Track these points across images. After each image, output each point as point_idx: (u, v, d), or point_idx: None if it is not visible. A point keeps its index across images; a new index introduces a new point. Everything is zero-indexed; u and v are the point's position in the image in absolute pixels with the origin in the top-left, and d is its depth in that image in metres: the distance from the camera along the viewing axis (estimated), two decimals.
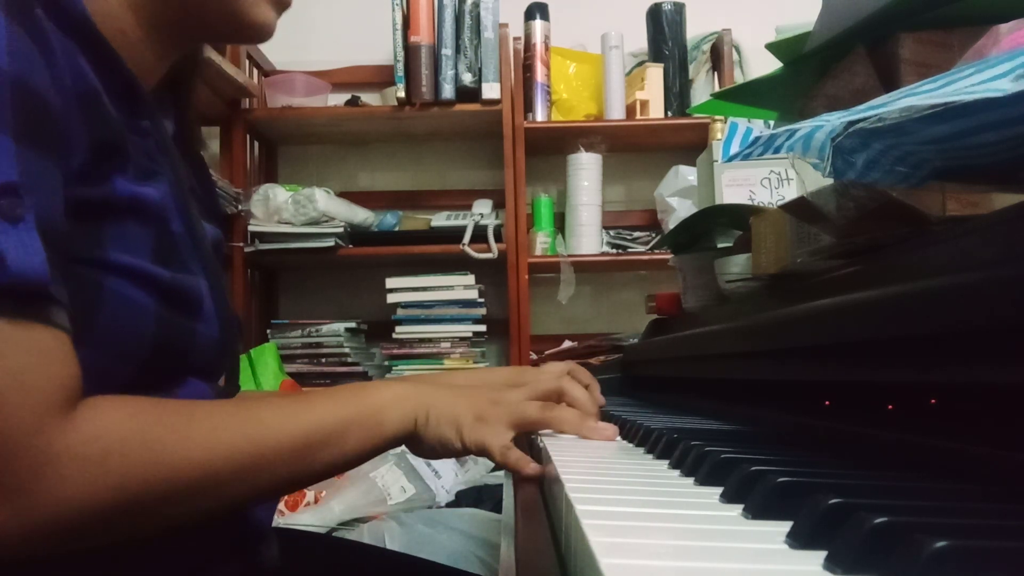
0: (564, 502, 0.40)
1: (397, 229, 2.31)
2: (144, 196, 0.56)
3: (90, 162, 0.52)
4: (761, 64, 2.03)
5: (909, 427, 0.45)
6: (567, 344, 2.24)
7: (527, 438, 0.70)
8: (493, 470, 1.82)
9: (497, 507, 1.61)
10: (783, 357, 0.59)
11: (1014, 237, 0.35)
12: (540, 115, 2.23)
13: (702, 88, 2.28)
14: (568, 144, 2.26)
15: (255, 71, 2.34)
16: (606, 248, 2.29)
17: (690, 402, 0.90)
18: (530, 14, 2.26)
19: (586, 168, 2.24)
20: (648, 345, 1.14)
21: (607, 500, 0.39)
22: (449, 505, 1.69)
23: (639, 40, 2.30)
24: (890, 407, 0.49)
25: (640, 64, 2.28)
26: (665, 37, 2.23)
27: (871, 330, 0.43)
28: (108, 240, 0.54)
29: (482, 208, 2.26)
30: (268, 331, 2.24)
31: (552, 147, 2.30)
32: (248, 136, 2.29)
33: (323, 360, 2.20)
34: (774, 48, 0.68)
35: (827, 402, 0.58)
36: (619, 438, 0.67)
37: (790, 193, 1.29)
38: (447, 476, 1.76)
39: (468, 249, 2.16)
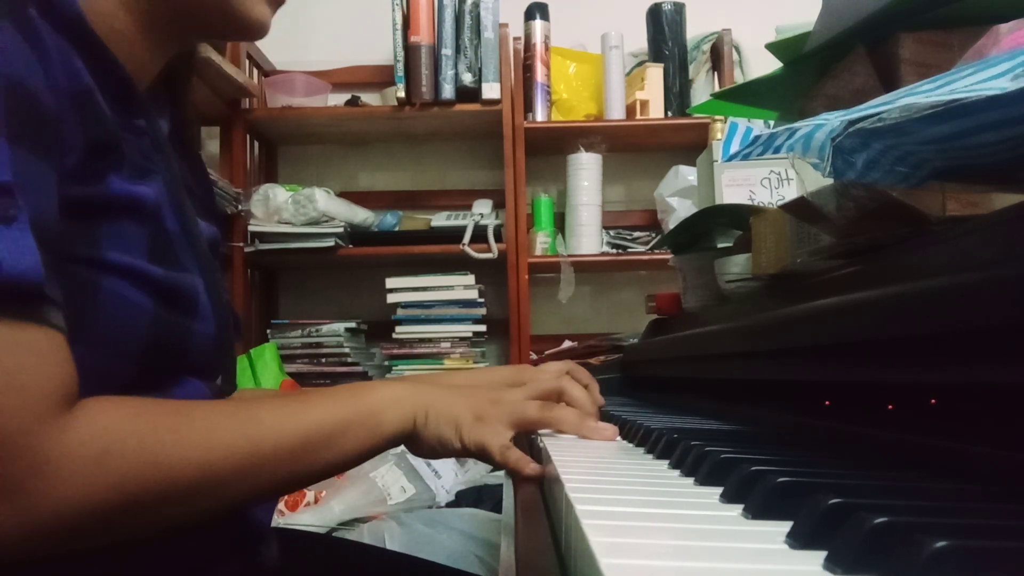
0: (564, 502, 0.40)
1: (397, 229, 2.31)
2: (139, 195, 0.56)
3: (85, 161, 0.52)
4: (761, 64, 2.03)
5: (909, 427, 0.45)
6: (567, 344, 2.24)
7: (527, 438, 0.70)
8: (493, 470, 1.82)
9: (497, 507, 1.60)
10: (783, 357, 0.59)
11: (1014, 237, 0.35)
12: (540, 115, 2.23)
13: (702, 88, 2.28)
14: (568, 144, 2.26)
15: (255, 71, 2.34)
16: (606, 248, 2.30)
17: (690, 402, 0.90)
18: (530, 14, 2.26)
19: (586, 168, 2.24)
20: (648, 345, 1.14)
21: (607, 500, 0.39)
22: (449, 505, 1.69)
23: (639, 40, 2.30)
24: (890, 407, 0.49)
25: (640, 64, 2.28)
26: (665, 37, 2.23)
27: (871, 330, 0.43)
28: (103, 239, 0.53)
29: (482, 208, 2.26)
30: (268, 331, 2.24)
31: (552, 147, 2.30)
32: (248, 136, 2.29)
33: (323, 360, 2.20)
34: (774, 48, 0.68)
35: (827, 402, 0.58)
36: (619, 438, 0.67)
37: (790, 193, 1.29)
38: (447, 476, 1.76)
39: (468, 249, 2.16)
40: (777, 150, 0.51)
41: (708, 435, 0.59)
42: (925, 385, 0.44)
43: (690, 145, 2.20)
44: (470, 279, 2.21)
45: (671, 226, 2.03)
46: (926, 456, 0.42)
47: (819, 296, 0.50)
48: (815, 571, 0.27)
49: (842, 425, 0.52)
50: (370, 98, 2.38)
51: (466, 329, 2.20)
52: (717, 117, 1.52)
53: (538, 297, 2.35)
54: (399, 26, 2.15)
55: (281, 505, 1.62)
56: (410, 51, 2.16)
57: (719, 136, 1.45)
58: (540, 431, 0.69)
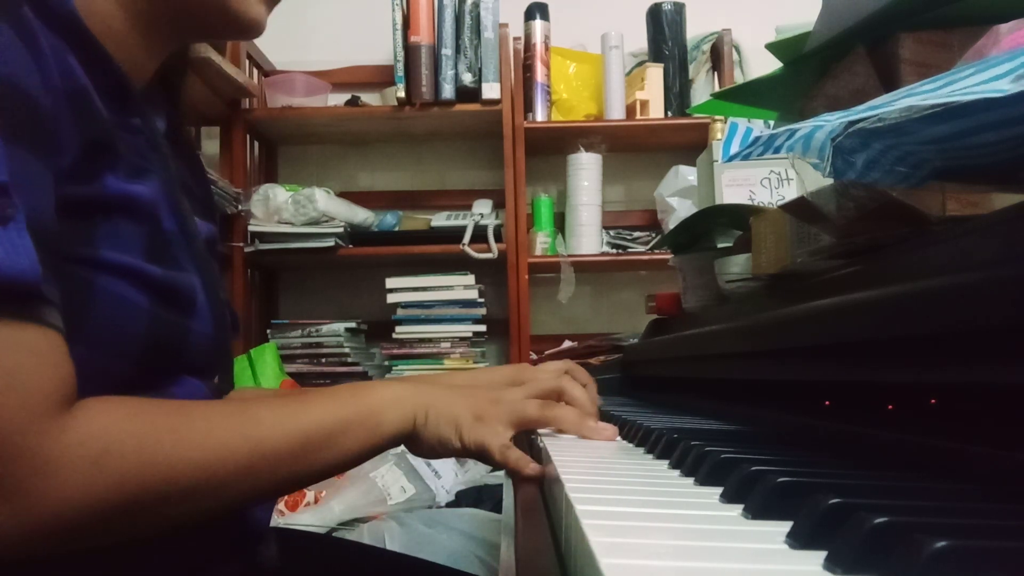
0: (564, 502, 0.40)
1: (397, 229, 2.31)
2: (135, 194, 0.56)
3: (80, 161, 0.52)
4: (761, 64, 2.03)
5: (909, 427, 0.44)
6: (567, 344, 2.24)
7: (527, 438, 0.70)
8: (493, 470, 1.82)
9: (497, 507, 1.60)
10: (783, 357, 0.59)
11: (1014, 237, 0.35)
12: (540, 115, 2.23)
13: (702, 88, 2.28)
14: (568, 144, 2.26)
15: (255, 71, 2.34)
16: (606, 248, 2.30)
17: (690, 402, 0.90)
18: (530, 14, 2.26)
19: (586, 168, 2.24)
20: (648, 345, 1.14)
21: (607, 500, 0.39)
22: (449, 505, 1.69)
23: (639, 40, 2.30)
24: (890, 407, 0.49)
25: (640, 64, 2.28)
26: (665, 37, 2.23)
27: (871, 330, 0.43)
28: (100, 238, 0.53)
29: (482, 208, 2.26)
30: (268, 331, 2.24)
31: (552, 147, 2.30)
32: (248, 136, 2.29)
33: (323, 360, 2.20)
34: (774, 48, 0.68)
35: (827, 402, 0.58)
36: (619, 438, 0.67)
37: (790, 193, 1.29)
38: (447, 476, 1.76)
39: (468, 249, 2.16)
40: (777, 150, 0.51)
41: (708, 435, 0.59)
42: (925, 385, 0.44)
43: (690, 145, 2.20)
44: (470, 279, 2.21)
45: (671, 226, 2.03)
46: (926, 456, 0.42)
47: (819, 296, 0.50)
48: (815, 571, 0.27)
49: (842, 425, 0.52)
50: (370, 98, 2.38)
51: (466, 329, 2.20)
52: (717, 117, 1.52)
53: (538, 297, 2.35)
54: (399, 26, 2.15)
55: (281, 505, 1.62)
56: (410, 51, 2.16)
57: (719, 136, 1.45)
58: (540, 431, 0.69)
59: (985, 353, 0.35)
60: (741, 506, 0.37)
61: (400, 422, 0.62)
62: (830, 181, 0.53)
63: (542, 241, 2.25)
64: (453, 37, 2.17)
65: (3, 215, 0.44)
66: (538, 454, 0.62)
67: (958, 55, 0.51)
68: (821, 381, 0.57)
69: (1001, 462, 0.36)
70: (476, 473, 1.82)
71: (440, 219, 2.25)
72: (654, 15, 2.25)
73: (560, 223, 2.32)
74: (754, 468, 0.39)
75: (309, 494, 1.64)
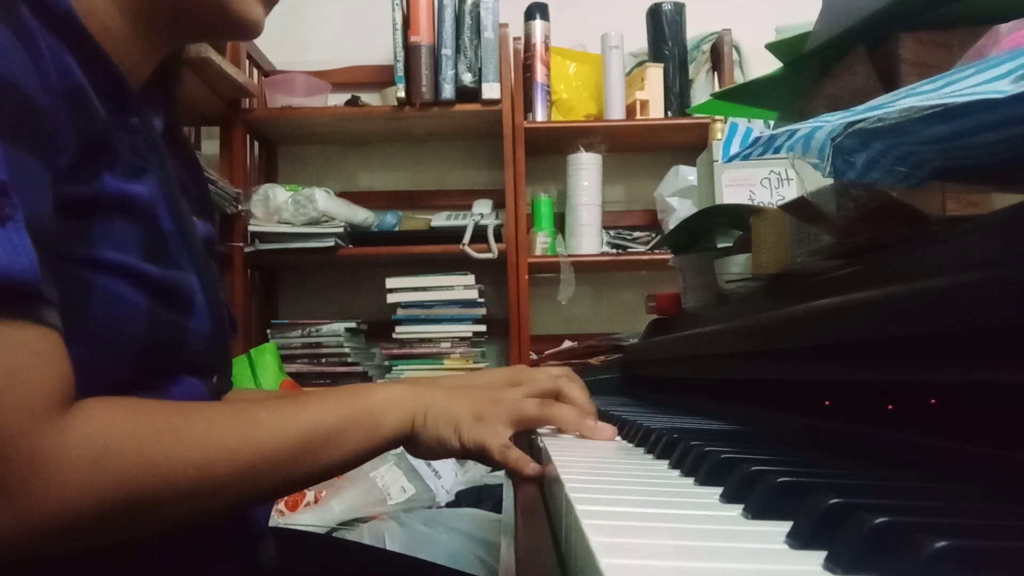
0: (564, 502, 0.40)
1: (397, 229, 2.31)
2: (133, 194, 0.56)
3: (78, 160, 0.52)
4: (761, 64, 2.03)
5: (909, 427, 0.44)
6: (567, 344, 2.24)
7: (527, 438, 0.70)
8: (493, 471, 1.82)
9: (497, 507, 1.60)
10: (783, 357, 0.59)
11: (1014, 237, 0.35)
12: (540, 115, 2.23)
13: (702, 88, 2.28)
14: (568, 144, 2.26)
15: (255, 71, 2.34)
16: (606, 248, 2.30)
17: (690, 402, 0.90)
18: (530, 14, 2.26)
19: (586, 168, 2.24)
20: (648, 345, 1.14)
21: (607, 500, 0.39)
22: (449, 505, 1.69)
23: (639, 40, 2.30)
24: (890, 407, 0.49)
25: (640, 64, 2.28)
26: (665, 37, 2.23)
27: (871, 330, 0.43)
28: (98, 238, 0.53)
29: (482, 208, 2.26)
30: (268, 331, 2.24)
31: (552, 147, 2.30)
32: (248, 136, 2.29)
33: (323, 360, 2.20)
34: (774, 48, 0.68)
35: (827, 402, 0.58)
36: (619, 438, 0.67)
37: (790, 193, 1.29)
38: (447, 476, 1.76)
39: (468, 249, 2.16)
40: (777, 150, 0.51)
41: (708, 435, 0.59)
42: (925, 385, 0.44)
43: (690, 145, 2.20)
44: (470, 279, 2.21)
45: (671, 226, 2.03)
46: (926, 456, 0.42)
47: (819, 296, 0.50)
48: (815, 571, 0.27)
49: (842, 425, 0.52)
50: (370, 98, 2.38)
51: (466, 329, 2.20)
52: (717, 117, 1.52)
53: (538, 297, 2.35)
54: (399, 26, 2.16)
55: (281, 505, 1.62)
56: (410, 51, 2.16)
57: (719, 136, 1.45)
58: (540, 431, 0.69)
59: (985, 353, 0.35)
60: (741, 506, 0.37)
61: (399, 423, 0.62)
62: (830, 181, 0.53)
63: (542, 241, 2.25)
64: (453, 37, 2.17)
65: (2, 215, 0.44)
66: (538, 454, 0.62)
67: (958, 55, 0.51)
68: (821, 381, 0.57)
69: (1001, 462, 0.36)
70: (476, 473, 1.82)
71: (440, 219, 2.25)
72: (654, 15, 2.25)
73: (560, 223, 2.32)
74: (754, 468, 0.39)
75: (309, 494, 1.64)
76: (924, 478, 0.39)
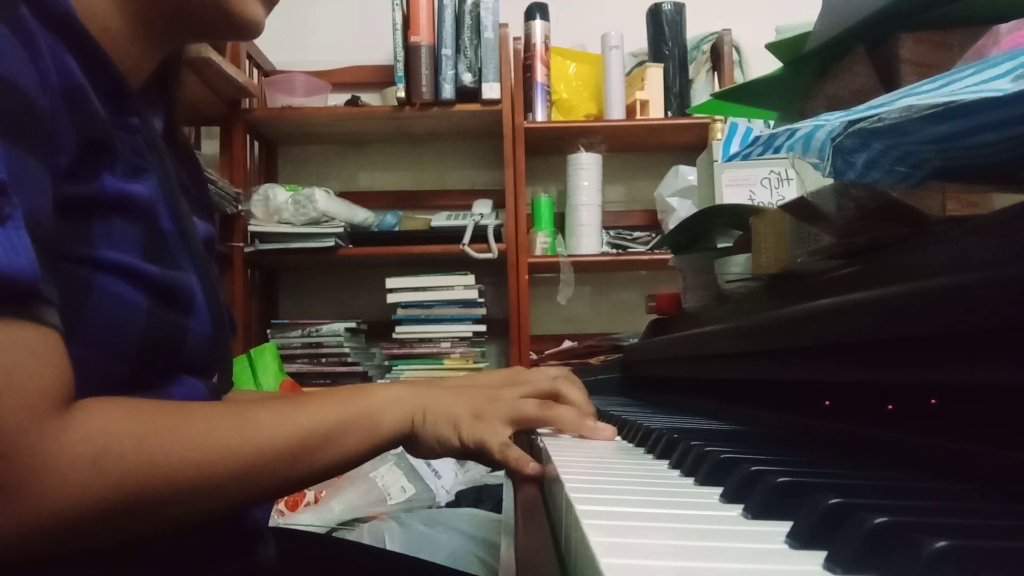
0: (564, 502, 0.40)
1: (397, 229, 2.31)
2: (133, 193, 0.56)
3: (78, 160, 0.52)
4: (761, 64, 2.03)
5: (909, 427, 0.44)
6: (567, 344, 2.24)
7: (527, 438, 0.70)
8: (492, 470, 1.82)
9: (497, 507, 1.60)
10: (783, 357, 0.59)
11: (1014, 237, 0.35)
12: (540, 115, 2.23)
13: (702, 88, 2.28)
14: (568, 144, 2.26)
15: (255, 71, 2.34)
16: (606, 248, 2.30)
17: (690, 402, 0.90)
18: (530, 14, 2.26)
19: (586, 168, 2.24)
20: (648, 345, 1.14)
21: (607, 500, 0.39)
22: (449, 505, 1.69)
23: (639, 40, 2.30)
24: (890, 407, 0.49)
25: (640, 64, 2.28)
26: (665, 37, 2.23)
27: (871, 330, 0.43)
28: (97, 237, 0.53)
29: (482, 208, 2.26)
30: (268, 331, 2.24)
31: (552, 147, 2.30)
32: (248, 136, 2.29)
33: (323, 360, 2.20)
34: (774, 48, 0.68)
35: (827, 402, 0.58)
36: (619, 438, 0.67)
37: (790, 193, 1.29)
38: (447, 476, 1.76)
39: (468, 249, 2.16)
40: (777, 150, 0.51)
41: (708, 435, 0.59)
42: (925, 385, 0.44)
43: (690, 145, 2.20)
44: (470, 279, 2.21)
45: (671, 226, 2.03)
46: (926, 456, 0.42)
47: (819, 296, 0.50)
48: (815, 571, 0.27)
49: (842, 425, 0.52)
50: (370, 98, 2.38)
51: (466, 329, 2.20)
52: (717, 117, 1.52)
53: (538, 297, 2.35)
54: (399, 26, 2.16)
55: (281, 505, 1.62)
56: (410, 51, 2.16)
57: (719, 136, 1.46)
58: (540, 431, 0.68)
59: (985, 353, 0.35)
60: (741, 506, 0.37)
61: (398, 423, 0.62)
62: (830, 181, 0.53)
63: (542, 241, 2.25)
64: (453, 37, 2.17)
65: (2, 214, 0.44)
66: (538, 454, 0.62)
67: (958, 55, 0.51)
68: (821, 381, 0.57)
69: (1001, 462, 0.36)
70: (476, 473, 1.82)
71: (440, 219, 2.25)
72: (654, 15, 2.25)
73: (560, 223, 2.32)
74: (754, 468, 0.39)
75: (309, 494, 1.64)
76: (924, 478, 0.39)
